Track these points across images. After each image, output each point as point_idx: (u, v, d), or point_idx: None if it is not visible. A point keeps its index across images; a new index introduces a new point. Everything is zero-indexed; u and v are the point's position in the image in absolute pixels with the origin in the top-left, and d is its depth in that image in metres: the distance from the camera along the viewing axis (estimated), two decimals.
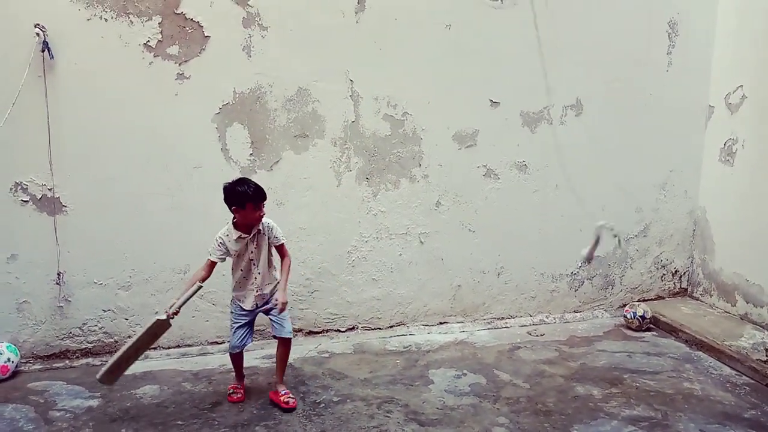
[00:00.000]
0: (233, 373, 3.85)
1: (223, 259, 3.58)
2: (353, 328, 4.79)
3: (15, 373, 3.96)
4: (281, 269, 3.69)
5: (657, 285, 5.55)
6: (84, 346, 4.26)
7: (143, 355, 4.26)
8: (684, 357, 4.47)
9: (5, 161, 3.91)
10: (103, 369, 3.45)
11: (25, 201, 4.02)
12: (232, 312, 3.72)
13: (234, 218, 3.52)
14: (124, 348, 3.46)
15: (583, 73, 4.98)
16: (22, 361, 4.06)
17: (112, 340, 4.29)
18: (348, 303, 4.73)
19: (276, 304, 3.60)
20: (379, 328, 4.83)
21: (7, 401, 3.65)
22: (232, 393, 3.75)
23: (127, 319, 4.30)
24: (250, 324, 3.71)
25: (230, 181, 3.49)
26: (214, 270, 3.58)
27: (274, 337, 3.71)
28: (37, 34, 3.82)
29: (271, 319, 3.68)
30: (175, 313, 3.44)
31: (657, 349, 4.59)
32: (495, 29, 4.71)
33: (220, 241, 3.53)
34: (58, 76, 3.95)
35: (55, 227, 4.07)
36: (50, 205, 4.05)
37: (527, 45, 4.79)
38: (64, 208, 4.08)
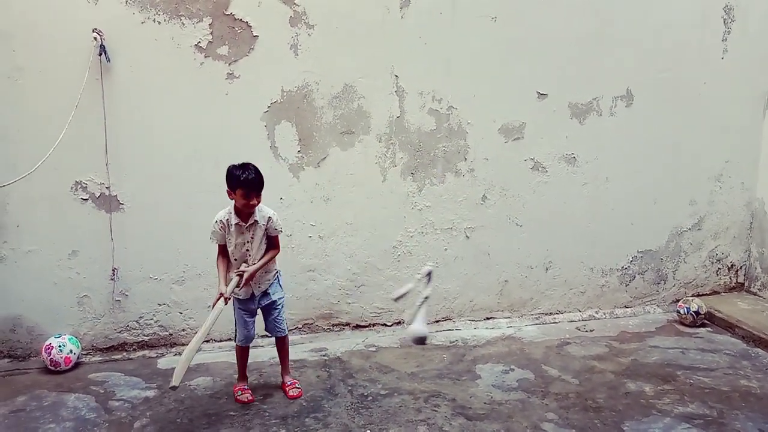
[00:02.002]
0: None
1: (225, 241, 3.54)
2: (399, 323, 4.81)
3: (77, 365, 4.14)
4: (265, 256, 3.58)
5: (712, 279, 5.39)
6: (141, 339, 4.41)
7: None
8: (741, 354, 4.34)
9: (66, 161, 4.06)
10: (175, 378, 3.30)
11: (84, 199, 4.18)
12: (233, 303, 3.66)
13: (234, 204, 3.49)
14: (192, 350, 3.38)
15: (634, 63, 4.87)
16: (83, 353, 4.23)
17: (167, 333, 4.43)
18: None
19: (274, 302, 3.69)
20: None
21: (71, 391, 3.82)
22: (240, 395, 3.72)
23: (181, 313, 4.43)
24: (252, 315, 3.71)
25: (235, 164, 3.45)
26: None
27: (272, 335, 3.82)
28: (95, 39, 3.96)
29: (267, 318, 3.74)
30: (229, 299, 3.46)
31: (712, 346, 4.47)
32: (542, 20, 4.65)
33: (220, 224, 3.50)
34: (115, 79, 4.09)
35: (112, 224, 4.22)
36: (108, 202, 4.21)
37: (575, 35, 4.72)
38: (120, 206, 4.23)
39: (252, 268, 3.49)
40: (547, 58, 4.71)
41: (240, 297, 3.63)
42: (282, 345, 3.83)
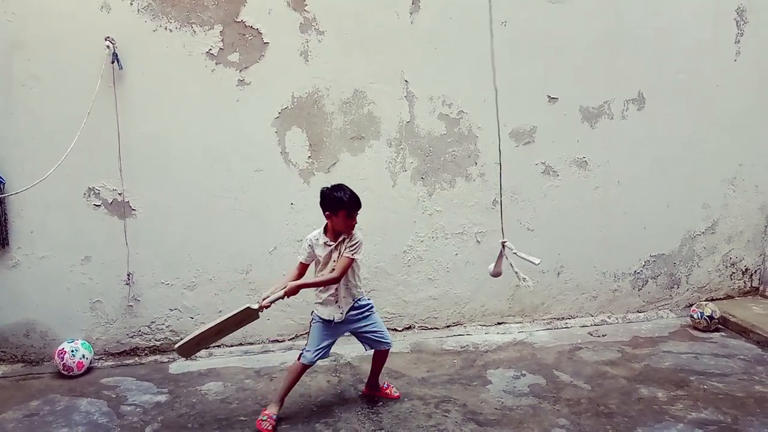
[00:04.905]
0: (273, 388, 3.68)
1: (309, 262, 3.53)
2: (410, 328, 4.81)
3: (89, 369, 4.17)
4: (318, 277, 3.49)
5: (726, 284, 5.34)
6: (152, 344, 4.44)
7: (214, 343, 4.41)
8: (756, 359, 4.28)
9: (79, 168, 4.11)
10: (182, 341, 3.43)
11: (97, 205, 4.22)
12: (313, 321, 3.58)
13: (326, 224, 3.45)
14: (207, 326, 3.44)
15: (645, 66, 4.84)
16: (95, 357, 4.27)
17: (178, 338, 4.43)
18: (404, 302, 4.76)
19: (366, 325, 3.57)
20: (436, 328, 4.83)
21: (83, 395, 3.84)
22: (265, 420, 3.43)
23: (192, 318, 4.45)
24: (330, 337, 3.54)
25: (328, 186, 3.44)
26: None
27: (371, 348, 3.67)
28: (108, 47, 4.00)
29: (364, 336, 3.61)
30: (266, 306, 3.37)
31: (726, 351, 4.42)
32: (552, 24, 4.64)
33: (309, 243, 3.49)
34: (127, 86, 4.13)
35: (125, 230, 4.25)
36: (120, 208, 4.24)
37: (586, 39, 4.70)
38: (133, 212, 4.27)
39: (296, 283, 3.38)
40: (558, 62, 4.70)
41: (323, 318, 3.53)
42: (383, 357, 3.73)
